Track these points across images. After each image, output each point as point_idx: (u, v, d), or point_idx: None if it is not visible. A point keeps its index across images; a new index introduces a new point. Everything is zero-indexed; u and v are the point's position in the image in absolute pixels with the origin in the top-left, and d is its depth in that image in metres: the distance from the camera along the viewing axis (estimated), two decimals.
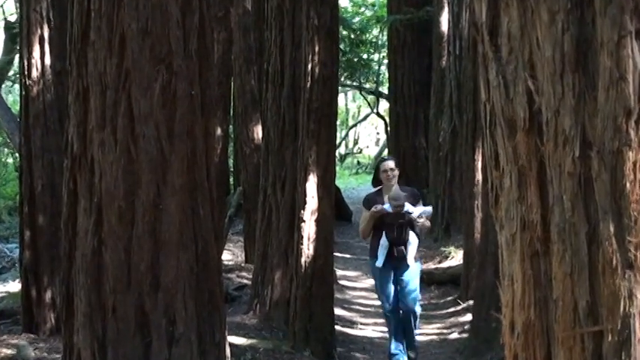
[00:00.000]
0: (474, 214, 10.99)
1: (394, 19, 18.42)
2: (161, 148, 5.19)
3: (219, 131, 11.65)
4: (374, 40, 25.07)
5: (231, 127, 15.94)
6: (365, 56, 24.86)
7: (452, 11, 15.55)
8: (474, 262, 10.09)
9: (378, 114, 27.06)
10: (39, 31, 8.80)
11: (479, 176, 10.97)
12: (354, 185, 27.56)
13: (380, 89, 26.36)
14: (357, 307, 11.64)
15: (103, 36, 5.16)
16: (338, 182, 14.81)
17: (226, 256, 13.68)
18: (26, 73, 8.86)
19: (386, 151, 26.82)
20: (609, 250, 1.96)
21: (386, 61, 23.47)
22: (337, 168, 15.17)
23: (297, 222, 8.60)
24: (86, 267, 5.21)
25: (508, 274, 2.28)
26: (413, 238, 7.73)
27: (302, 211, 8.49)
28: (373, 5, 25.86)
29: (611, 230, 1.95)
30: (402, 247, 7.69)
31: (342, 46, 20.36)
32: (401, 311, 7.83)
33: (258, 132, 12.97)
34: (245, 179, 14.11)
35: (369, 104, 30.14)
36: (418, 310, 7.96)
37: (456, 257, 13.65)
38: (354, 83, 26.21)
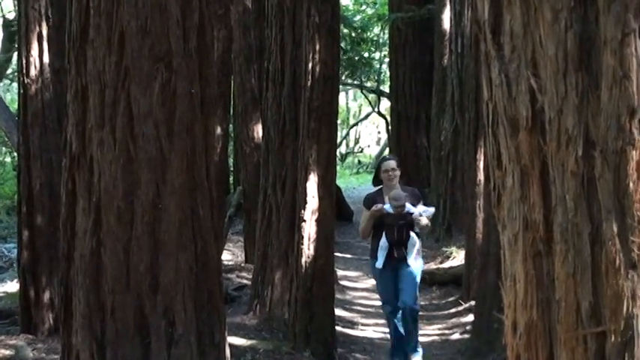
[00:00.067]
0: (476, 213, 10.98)
1: (395, 17, 18.41)
2: (160, 147, 5.19)
3: (219, 130, 11.64)
4: (375, 38, 25.06)
5: (231, 125, 15.93)
6: (366, 55, 24.85)
7: (454, 9, 15.55)
8: (476, 262, 10.08)
9: (379, 113, 27.04)
10: (37, 28, 8.79)
11: (481, 176, 10.96)
12: (354, 185, 27.55)
13: (381, 88, 26.34)
14: (358, 307, 11.64)
15: (102, 34, 5.16)
16: (339, 182, 14.81)
17: (226, 256, 13.68)
18: (24, 71, 8.85)
19: (387, 151, 26.82)
20: (612, 250, 1.96)
21: (387, 59, 23.48)
22: (338, 167, 15.17)
23: (298, 222, 8.60)
24: (85, 267, 5.21)
25: (510, 274, 2.28)
26: (413, 239, 7.73)
27: (302, 211, 8.48)
28: (374, 3, 25.85)
29: (615, 230, 1.95)
30: (402, 249, 7.69)
31: (343, 45, 20.34)
32: (400, 311, 7.82)
33: (259, 131, 12.96)
34: (245, 178, 14.11)
35: (370, 103, 30.16)
36: (417, 307, 7.93)
37: (457, 257, 13.64)
38: (355, 82, 26.20)
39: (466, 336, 9.45)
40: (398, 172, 7.85)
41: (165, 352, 5.18)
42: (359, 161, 37.61)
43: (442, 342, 9.72)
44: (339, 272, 12.98)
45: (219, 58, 11.19)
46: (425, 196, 15.62)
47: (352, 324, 10.51)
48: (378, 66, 26.17)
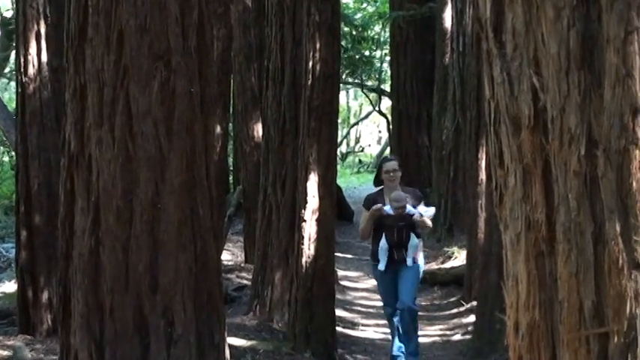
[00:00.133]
0: (478, 213, 10.98)
1: (396, 15, 18.41)
2: (160, 146, 5.19)
3: (218, 129, 11.65)
4: (376, 36, 25.05)
5: (230, 125, 15.94)
6: (367, 53, 24.85)
7: (455, 7, 15.55)
8: (478, 262, 10.08)
9: (380, 112, 27.03)
10: (35, 27, 8.79)
11: (482, 175, 10.95)
12: (355, 184, 27.53)
13: (382, 87, 26.34)
14: (359, 308, 11.65)
15: (101, 32, 5.17)
16: (339, 181, 14.81)
17: (226, 256, 13.68)
18: (22, 70, 8.85)
19: (388, 150, 26.83)
20: (615, 250, 1.96)
21: (388, 58, 23.48)
22: (338, 167, 15.17)
23: (298, 221, 8.60)
24: (83, 267, 5.21)
25: (512, 274, 2.28)
26: (414, 241, 7.71)
27: (303, 211, 8.49)
28: (375, 1, 25.85)
29: (618, 230, 1.95)
30: (403, 250, 7.69)
31: (343, 43, 20.34)
32: (398, 311, 7.80)
33: (258, 130, 12.96)
34: (245, 178, 14.11)
35: (370, 102, 30.12)
36: (415, 308, 7.91)
37: (459, 257, 13.64)
38: (356, 81, 26.19)
39: (468, 337, 9.45)
40: (399, 173, 7.84)
41: (164, 352, 5.18)
42: (360, 160, 37.59)
43: (443, 343, 9.72)
44: (340, 272, 12.98)
45: (219, 57, 11.19)
46: (426, 196, 15.66)
47: (353, 324, 10.51)
48: (378, 64, 26.17)
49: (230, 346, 6.18)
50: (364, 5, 26.43)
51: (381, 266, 7.71)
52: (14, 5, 14.58)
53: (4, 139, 17.77)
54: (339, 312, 9.91)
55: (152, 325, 5.19)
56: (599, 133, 1.99)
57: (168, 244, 5.21)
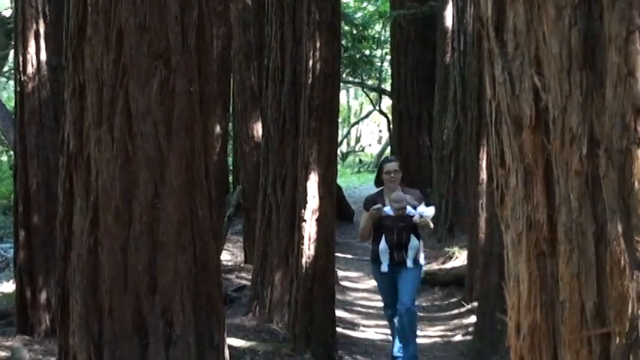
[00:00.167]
0: (479, 213, 10.98)
1: (397, 14, 18.40)
2: (159, 146, 5.19)
3: (218, 129, 11.67)
4: (376, 35, 25.04)
5: (230, 124, 15.94)
6: (367, 52, 24.83)
7: (456, 6, 15.54)
8: (479, 262, 10.07)
9: (380, 111, 27.02)
10: (34, 26, 8.80)
11: (484, 175, 10.95)
12: (355, 184, 27.54)
13: (382, 86, 26.33)
14: (359, 308, 11.64)
15: (100, 31, 5.17)
16: (339, 181, 14.80)
17: (225, 257, 13.68)
18: (21, 69, 8.85)
19: (388, 150, 26.82)
20: (617, 251, 1.96)
21: (389, 57, 23.47)
22: (339, 166, 15.17)
23: (298, 222, 8.60)
24: (82, 267, 5.22)
25: (514, 275, 2.28)
26: (414, 242, 7.70)
27: (303, 211, 8.49)
28: (376, 0, 25.85)
29: (619, 230, 1.95)
30: (403, 252, 7.67)
31: (343, 42, 20.33)
32: (397, 314, 7.78)
33: (258, 129, 12.96)
34: (244, 178, 14.11)
35: (371, 101, 30.11)
36: (415, 310, 7.89)
37: (460, 258, 13.63)
38: (356, 80, 26.18)
39: (468, 338, 9.45)
40: (400, 174, 7.82)
41: (163, 353, 5.18)
42: (360, 160, 37.58)
43: (444, 344, 9.72)
44: (340, 273, 12.97)
45: (219, 56, 11.20)
46: (427, 196, 15.65)
47: (353, 325, 10.51)
48: (379, 64, 26.16)
49: (229, 347, 6.17)
50: (365, 4, 26.43)
51: (384, 268, 7.70)
52: (13, 4, 14.59)
53: (3, 138, 17.78)
54: (339, 313, 9.91)
55: (151, 325, 5.19)
56: (601, 132, 1.99)
57: (168, 244, 5.21)
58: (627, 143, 1.94)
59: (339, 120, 11.66)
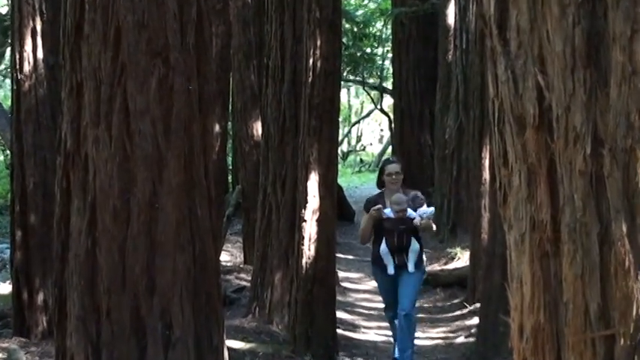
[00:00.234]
0: (481, 213, 10.98)
1: (399, 11, 18.41)
2: (157, 145, 5.19)
3: (217, 128, 11.69)
4: (378, 33, 25.05)
5: (229, 123, 15.94)
6: (368, 50, 24.83)
7: (458, 4, 15.54)
8: (481, 263, 10.08)
9: (381, 110, 27.04)
10: (31, 23, 8.80)
11: (486, 174, 10.96)
12: (356, 184, 27.56)
13: (384, 84, 26.35)
14: (360, 310, 11.65)
15: (98, 29, 5.17)
16: (340, 181, 14.80)
17: (225, 257, 13.69)
18: (18, 67, 8.86)
19: (390, 149, 26.82)
20: (621, 251, 1.96)
21: (390, 55, 23.46)
22: (339, 166, 15.19)
23: (298, 222, 8.61)
24: (79, 268, 5.22)
25: (517, 275, 2.28)
26: (415, 245, 7.68)
27: (303, 211, 8.49)
28: None
29: (624, 230, 1.95)
30: (404, 255, 7.65)
31: (344, 40, 20.32)
32: (397, 318, 7.76)
33: (258, 129, 12.96)
34: (244, 177, 14.12)
35: (372, 100, 30.13)
36: (414, 315, 7.87)
37: (462, 258, 13.64)
38: (357, 78, 26.19)
39: (471, 339, 9.45)
40: (401, 177, 7.78)
41: (161, 355, 5.18)
42: (361, 160, 37.60)
43: (446, 346, 9.72)
44: (341, 274, 12.98)
45: (218, 54, 11.21)
46: (429, 196, 15.66)
47: (354, 327, 10.51)
48: (380, 62, 26.17)
49: (229, 348, 6.18)
50: (366, 2, 26.44)
51: (390, 270, 7.67)
52: (10, 1, 14.58)
53: None
54: (340, 314, 9.91)
55: (149, 327, 5.19)
56: (605, 131, 1.99)
57: (166, 244, 5.21)
58: (632, 142, 1.94)
59: (340, 119, 11.65)
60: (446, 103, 16.30)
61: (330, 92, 8.57)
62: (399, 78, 19.59)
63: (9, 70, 12.63)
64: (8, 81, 19.90)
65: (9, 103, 12.78)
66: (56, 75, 8.27)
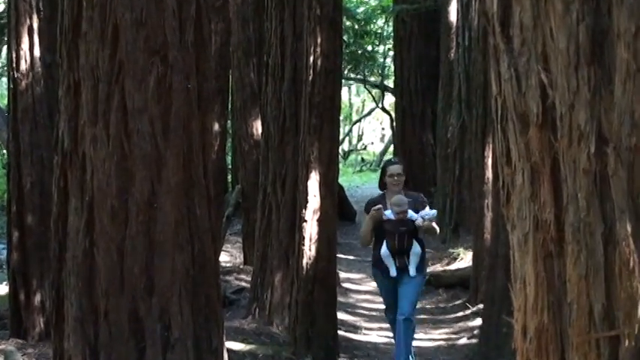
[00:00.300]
0: (484, 213, 10.99)
1: (400, 9, 18.42)
2: (156, 144, 5.19)
3: (216, 127, 11.69)
4: (379, 31, 25.06)
5: (229, 122, 15.95)
6: (369, 48, 24.85)
7: (461, 0, 15.54)
8: (484, 263, 10.09)
9: (383, 109, 27.06)
10: (28, 21, 8.80)
11: (489, 174, 10.96)
12: (357, 183, 27.55)
13: (385, 83, 26.35)
14: (361, 311, 11.65)
15: (96, 27, 5.17)
16: (341, 180, 14.81)
17: (224, 258, 13.70)
18: (14, 65, 8.86)
19: (392, 148, 26.82)
20: (626, 251, 1.96)
21: (391, 53, 23.48)
22: (340, 165, 15.18)
23: (299, 222, 8.61)
24: (77, 269, 5.22)
25: (520, 276, 2.28)
26: (416, 248, 7.64)
27: (303, 211, 8.49)
28: None
29: (629, 230, 1.95)
30: (405, 257, 7.61)
31: (345, 38, 20.36)
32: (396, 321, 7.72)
33: (258, 127, 12.97)
34: (244, 177, 14.13)
35: (373, 98, 30.14)
36: (413, 320, 7.82)
37: (465, 259, 13.65)
38: (358, 76, 26.21)
39: (474, 341, 9.45)
40: (403, 178, 7.73)
41: (160, 356, 5.18)
42: (362, 159, 37.62)
43: (449, 347, 9.72)
44: (342, 274, 12.99)
45: (217, 52, 11.20)
46: (431, 195, 15.67)
47: (355, 328, 10.52)
48: (381, 60, 26.18)
49: (228, 350, 6.18)
50: None
51: (393, 272, 7.64)
52: None
53: None
54: (341, 315, 9.91)
55: (148, 328, 5.19)
56: (610, 130, 1.99)
57: (165, 245, 5.21)
58: (636, 141, 1.94)
59: (341, 117, 11.66)
60: (448, 102, 16.31)
61: (330, 90, 8.57)
62: (401, 76, 19.60)
63: (5, 68, 12.64)
64: (5, 79, 19.92)
65: (5, 101, 12.78)
66: (53, 73, 8.26)
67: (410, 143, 19.14)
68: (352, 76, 26.21)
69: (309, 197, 8.43)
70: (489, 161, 10.87)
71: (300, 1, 9.13)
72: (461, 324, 10.76)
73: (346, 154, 37.41)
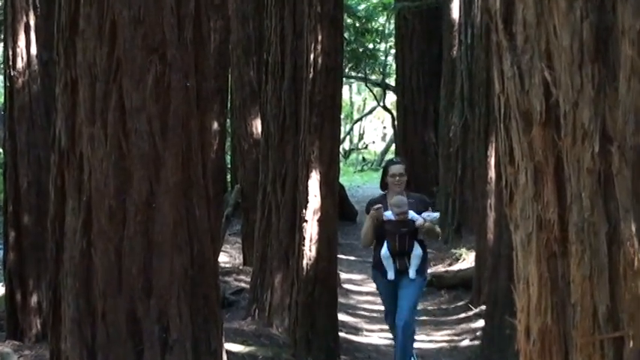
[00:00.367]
0: (487, 213, 10.99)
1: (402, 6, 18.43)
2: (154, 144, 5.19)
3: (215, 125, 11.68)
4: (380, 28, 25.08)
5: (228, 121, 15.95)
6: (371, 46, 24.87)
7: None
8: (487, 264, 10.08)
9: (384, 107, 27.08)
10: (24, 18, 8.80)
11: (492, 173, 10.97)
12: (359, 183, 27.57)
13: (387, 81, 26.38)
14: (362, 312, 11.66)
15: (93, 24, 5.17)
16: (342, 180, 14.82)
17: (223, 258, 13.70)
18: (11, 63, 8.86)
19: (393, 147, 26.83)
20: (631, 251, 1.96)
21: (393, 51, 23.49)
22: (341, 164, 15.20)
23: (299, 222, 8.61)
24: (74, 270, 5.22)
25: (523, 276, 2.28)
26: (417, 250, 7.59)
27: (304, 211, 8.49)
28: None
29: (633, 230, 1.95)
30: (405, 259, 7.55)
31: (346, 35, 20.36)
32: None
33: (257, 126, 12.98)
34: (243, 176, 14.13)
35: (375, 97, 30.17)
36: (412, 326, 7.76)
37: (467, 259, 13.65)
38: (359, 74, 26.24)
39: (476, 342, 9.46)
40: (405, 178, 7.67)
41: (158, 358, 5.18)
42: (363, 158, 37.65)
43: (451, 349, 9.73)
44: (343, 275, 12.99)
45: (216, 50, 11.20)
46: (433, 195, 15.68)
47: (356, 330, 10.52)
48: (383, 58, 26.20)
49: (227, 352, 6.18)
50: None
51: (391, 275, 7.58)
52: None
53: None
54: (341, 317, 9.91)
55: (146, 330, 5.19)
56: (614, 128, 1.99)
57: (163, 245, 5.21)
58: None
59: (342, 116, 11.66)
60: (450, 100, 16.32)
61: (331, 89, 8.57)
62: (402, 74, 19.62)
63: (1, 66, 12.63)
64: (1, 77, 19.92)
65: (1, 100, 12.78)
66: (50, 71, 8.26)
67: (412, 142, 19.16)
68: (353, 74, 26.24)
69: (309, 197, 8.43)
70: (492, 160, 10.88)
71: None
72: (463, 325, 10.76)
73: (347, 154, 37.44)
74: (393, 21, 21.81)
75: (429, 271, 8.36)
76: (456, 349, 9.66)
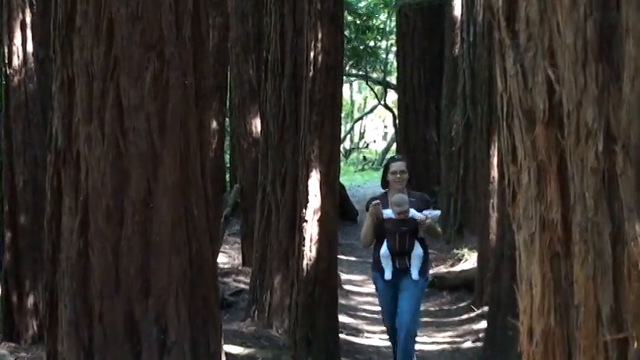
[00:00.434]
0: (489, 213, 11.00)
1: (403, 3, 18.43)
2: (152, 143, 5.19)
3: (214, 124, 11.67)
4: (381, 26, 25.08)
5: (227, 119, 15.95)
6: (372, 43, 24.88)
7: None
8: (489, 265, 10.09)
9: (385, 106, 27.09)
10: (20, 15, 8.80)
11: (494, 173, 10.98)
12: (359, 182, 27.54)
13: (388, 79, 26.39)
14: (363, 313, 11.66)
15: (90, 21, 5.17)
16: (342, 179, 14.81)
17: (222, 259, 13.70)
18: (7, 61, 8.86)
19: (394, 146, 26.83)
20: (635, 252, 1.96)
21: (394, 48, 23.48)
22: (342, 164, 15.19)
23: (299, 222, 8.61)
24: (71, 270, 5.22)
25: (526, 277, 2.28)
26: (418, 249, 7.53)
27: (304, 211, 8.49)
28: None
29: (637, 230, 1.95)
30: (405, 259, 7.49)
31: (346, 33, 20.36)
32: (396, 328, 7.61)
33: (257, 125, 12.98)
34: (242, 176, 14.13)
35: (375, 95, 30.18)
36: (414, 329, 7.64)
37: (469, 260, 13.66)
38: (360, 73, 26.25)
39: (479, 344, 9.46)
40: (406, 176, 7.62)
41: None
42: (364, 157, 37.63)
43: (453, 351, 9.73)
44: (343, 276, 13.00)
45: (215, 48, 11.19)
46: (435, 194, 15.67)
47: (357, 331, 10.52)
48: (384, 55, 26.20)
49: (226, 354, 6.19)
50: None
51: (388, 275, 7.49)
52: None
53: None
54: (342, 318, 9.91)
55: (144, 331, 5.19)
56: (618, 128, 1.99)
57: (162, 245, 5.22)
58: None
59: (342, 115, 11.66)
60: (452, 99, 16.32)
61: (331, 87, 8.57)
62: (404, 72, 19.61)
63: None
64: None
65: None
66: (47, 69, 8.27)
67: (413, 141, 19.15)
68: (354, 72, 26.25)
69: (309, 197, 8.43)
70: (494, 160, 10.88)
71: None
72: (465, 327, 10.76)
73: (348, 153, 37.44)
74: (394, 18, 21.81)
75: (431, 271, 8.34)
76: (458, 351, 9.67)
